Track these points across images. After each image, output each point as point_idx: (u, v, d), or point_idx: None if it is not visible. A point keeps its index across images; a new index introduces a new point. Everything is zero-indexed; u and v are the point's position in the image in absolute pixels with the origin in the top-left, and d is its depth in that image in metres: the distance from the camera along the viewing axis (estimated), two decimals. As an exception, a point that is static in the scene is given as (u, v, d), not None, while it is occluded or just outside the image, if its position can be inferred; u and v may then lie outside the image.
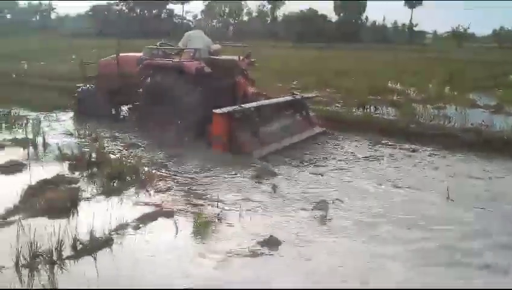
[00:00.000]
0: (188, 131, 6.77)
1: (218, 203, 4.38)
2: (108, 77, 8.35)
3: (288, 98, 7.87)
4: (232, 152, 6.23)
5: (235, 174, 5.41)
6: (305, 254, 3.54)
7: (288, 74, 15.00)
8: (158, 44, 8.22)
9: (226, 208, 4.31)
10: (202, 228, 3.87)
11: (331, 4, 58.25)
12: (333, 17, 58.42)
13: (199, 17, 62.81)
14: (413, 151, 6.85)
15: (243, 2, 62.24)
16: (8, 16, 69.80)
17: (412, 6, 57.46)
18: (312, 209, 4.37)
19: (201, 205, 4.41)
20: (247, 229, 3.91)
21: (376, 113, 9.22)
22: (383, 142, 7.29)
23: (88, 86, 8.79)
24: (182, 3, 61.97)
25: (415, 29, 58.57)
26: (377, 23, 59.97)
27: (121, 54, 8.38)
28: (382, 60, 22.91)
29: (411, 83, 13.83)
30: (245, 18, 63.30)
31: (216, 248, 3.61)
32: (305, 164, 6.08)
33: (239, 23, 60.98)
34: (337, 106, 9.98)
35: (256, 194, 4.76)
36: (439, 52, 32.16)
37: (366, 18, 59.50)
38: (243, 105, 6.72)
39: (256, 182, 5.15)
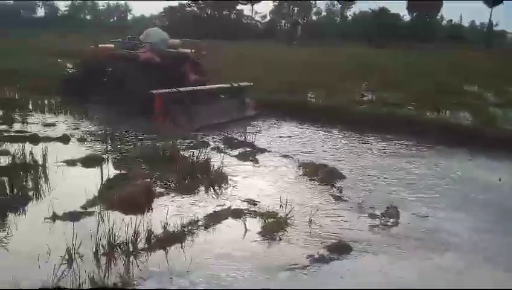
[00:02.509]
0: (138, 109, 8.06)
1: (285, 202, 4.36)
2: (88, 63, 10.00)
3: (225, 85, 9.31)
4: (167, 125, 7.38)
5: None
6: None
7: (358, 74, 14.76)
8: (127, 38, 9.91)
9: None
10: (270, 230, 3.88)
11: (404, 3, 56.19)
12: (406, 16, 56.57)
13: (268, 17, 63.18)
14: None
15: (312, 1, 61.82)
16: (88, 17, 74.26)
17: (491, 5, 54.11)
18: (382, 216, 4.29)
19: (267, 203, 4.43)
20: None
21: (452, 117, 8.80)
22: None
23: (73, 70, 10.54)
24: (252, 4, 62.65)
25: (495, 28, 55.30)
26: (453, 22, 57.34)
27: (100, 45, 10.19)
28: (457, 60, 21.82)
29: (489, 85, 13.07)
30: (314, 18, 62.85)
31: (283, 250, 3.62)
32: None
33: (307, 23, 60.65)
34: (410, 108, 9.65)
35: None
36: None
37: (441, 17, 57.06)
38: (180, 88, 8.14)
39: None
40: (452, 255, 3.63)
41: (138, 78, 8.42)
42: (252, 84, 9.93)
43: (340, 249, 3.60)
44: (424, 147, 7.14)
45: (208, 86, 9.17)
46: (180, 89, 8.15)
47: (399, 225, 4.17)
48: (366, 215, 4.33)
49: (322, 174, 5.36)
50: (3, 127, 7.39)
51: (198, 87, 8.82)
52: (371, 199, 4.73)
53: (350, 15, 61.15)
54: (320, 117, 8.86)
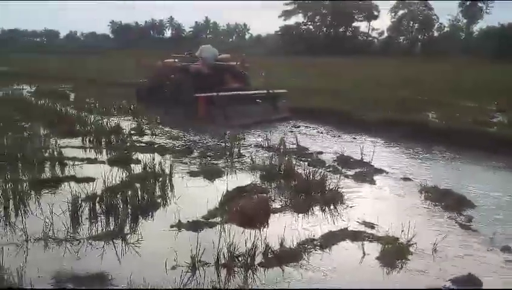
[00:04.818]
0: (190, 110, 10.12)
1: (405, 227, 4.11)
2: (155, 75, 12.47)
3: (260, 91, 11.00)
4: (207, 122, 9.41)
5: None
6: None
7: (486, 92, 13.69)
8: (185, 54, 12.47)
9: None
10: (390, 256, 3.69)
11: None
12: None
13: (385, 34, 61.51)
14: None
15: (433, 17, 58.86)
16: (210, 36, 79.26)
17: None
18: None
19: (385, 227, 4.22)
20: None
21: None
22: None
23: (143, 81, 13.24)
24: (368, 21, 61.56)
25: None
26: None
27: (165, 60, 12.46)
28: None
29: None
30: (435, 34, 59.68)
31: (404, 279, 3.42)
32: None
33: (428, 39, 57.79)
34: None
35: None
36: None
37: None
38: (220, 93, 9.95)
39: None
40: None
41: (189, 85, 10.57)
42: (286, 91, 11.43)
43: (470, 283, 3.29)
44: None
45: (245, 92, 10.79)
46: (220, 94, 9.88)
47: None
48: (499, 247, 3.92)
49: (448, 201, 4.97)
50: (136, 137, 8.15)
51: (236, 93, 10.50)
52: (506, 230, 4.27)
53: (476, 30, 57.04)
54: (444, 139, 8.27)
